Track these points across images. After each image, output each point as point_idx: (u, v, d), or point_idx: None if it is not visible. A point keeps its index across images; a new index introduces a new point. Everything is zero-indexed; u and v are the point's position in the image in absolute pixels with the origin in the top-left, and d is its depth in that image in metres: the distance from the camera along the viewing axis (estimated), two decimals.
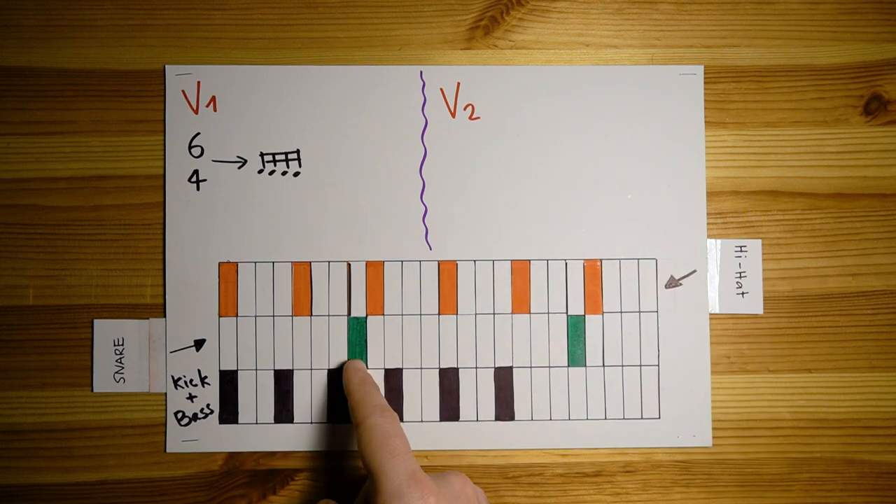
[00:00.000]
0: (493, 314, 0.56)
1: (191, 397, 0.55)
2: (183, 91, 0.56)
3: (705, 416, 0.55)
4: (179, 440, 0.55)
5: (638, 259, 0.56)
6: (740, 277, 0.56)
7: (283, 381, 0.55)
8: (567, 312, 0.56)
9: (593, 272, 0.56)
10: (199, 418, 0.55)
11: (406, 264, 0.55)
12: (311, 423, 0.55)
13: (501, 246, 0.56)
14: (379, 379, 0.55)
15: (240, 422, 0.55)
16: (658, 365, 0.56)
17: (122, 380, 0.55)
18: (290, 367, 0.55)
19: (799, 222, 0.56)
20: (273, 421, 0.55)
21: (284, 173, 0.56)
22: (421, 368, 0.55)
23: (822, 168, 0.57)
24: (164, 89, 0.56)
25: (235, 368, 0.55)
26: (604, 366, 0.55)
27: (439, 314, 0.55)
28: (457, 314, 0.55)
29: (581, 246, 0.56)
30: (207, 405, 0.55)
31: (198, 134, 0.56)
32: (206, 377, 0.55)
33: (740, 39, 0.57)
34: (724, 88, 0.57)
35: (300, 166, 0.56)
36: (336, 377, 0.55)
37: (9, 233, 0.55)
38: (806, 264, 0.56)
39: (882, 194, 0.57)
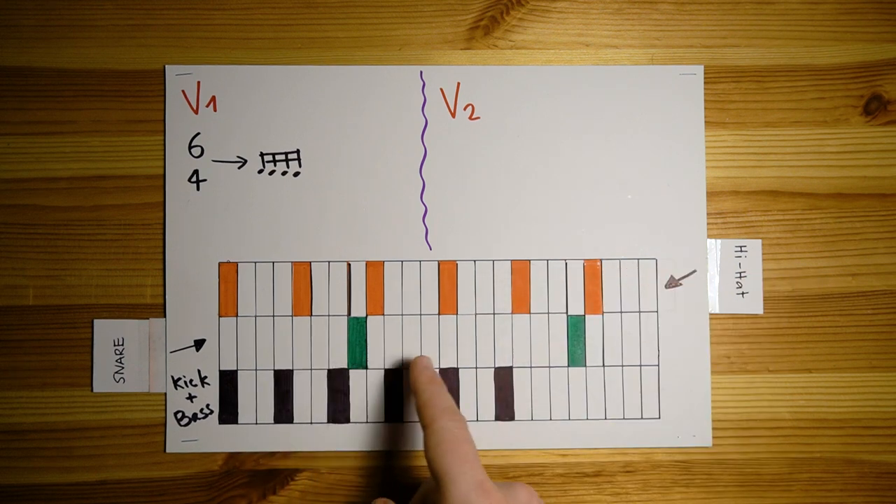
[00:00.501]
0: (493, 314, 0.56)
1: (191, 397, 0.55)
2: (183, 91, 0.56)
3: (705, 416, 0.55)
4: (179, 440, 0.55)
5: (638, 259, 0.56)
6: (740, 277, 0.56)
7: (283, 381, 0.55)
8: (567, 312, 0.56)
9: (593, 272, 0.56)
10: (199, 418, 0.55)
11: (406, 264, 0.55)
12: (311, 423, 0.55)
13: (501, 246, 0.56)
14: (379, 379, 0.55)
15: (240, 422, 0.55)
16: (658, 365, 0.56)
17: (121, 380, 0.55)
18: (290, 368, 0.55)
19: (799, 222, 0.56)
20: (273, 421, 0.55)
21: (284, 173, 0.56)
22: None
23: (822, 168, 0.57)
24: (164, 89, 0.56)
25: (235, 368, 0.55)
26: (604, 366, 0.55)
27: (439, 314, 0.55)
28: (457, 314, 0.55)
29: (581, 246, 0.56)
30: (207, 405, 0.55)
31: (198, 134, 0.56)
32: (205, 377, 0.55)
33: (740, 39, 0.57)
34: (724, 88, 0.57)
35: (300, 166, 0.56)
36: (336, 377, 0.55)
37: (9, 233, 0.55)
38: (806, 264, 0.56)
39: (882, 194, 0.57)
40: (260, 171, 0.56)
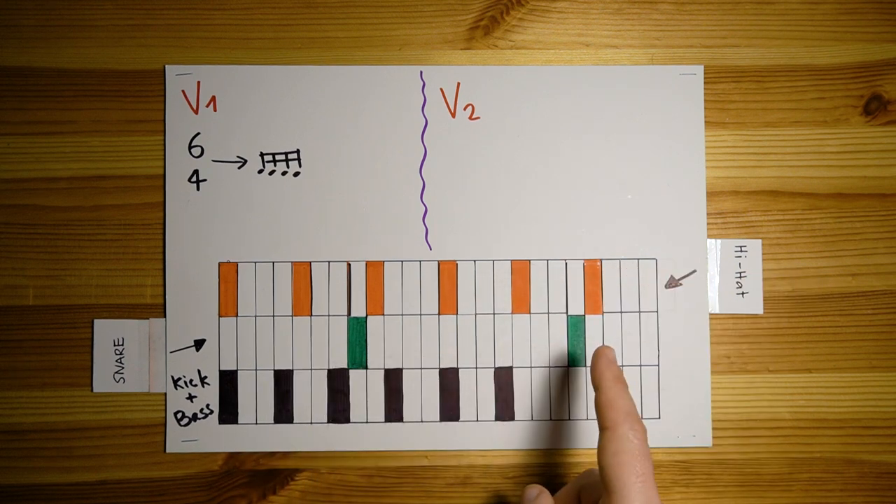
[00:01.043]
0: (493, 314, 0.56)
1: (191, 397, 0.55)
2: (183, 91, 0.56)
3: (705, 416, 0.55)
4: (179, 440, 0.55)
5: (638, 259, 0.56)
6: (740, 277, 0.56)
7: (283, 381, 0.55)
8: (567, 312, 0.56)
9: (593, 272, 0.56)
10: (199, 418, 0.55)
11: (406, 264, 0.55)
12: (311, 423, 0.55)
13: (501, 246, 0.56)
14: (379, 379, 0.55)
15: (240, 422, 0.55)
16: (658, 365, 0.56)
17: (121, 380, 0.55)
18: (290, 368, 0.55)
19: (799, 222, 0.56)
20: (273, 421, 0.55)
21: (284, 173, 0.56)
22: (421, 368, 0.55)
23: (822, 168, 0.57)
24: (164, 89, 0.56)
25: (235, 368, 0.55)
26: None
27: (439, 314, 0.55)
28: (457, 314, 0.55)
29: (581, 246, 0.56)
30: (207, 405, 0.55)
31: (198, 134, 0.56)
32: (205, 377, 0.55)
33: (740, 39, 0.57)
34: (724, 88, 0.57)
35: (300, 166, 0.56)
36: (336, 377, 0.55)
37: (9, 233, 0.55)
38: (806, 264, 0.56)
39: (882, 194, 0.57)
40: (260, 171, 0.56)
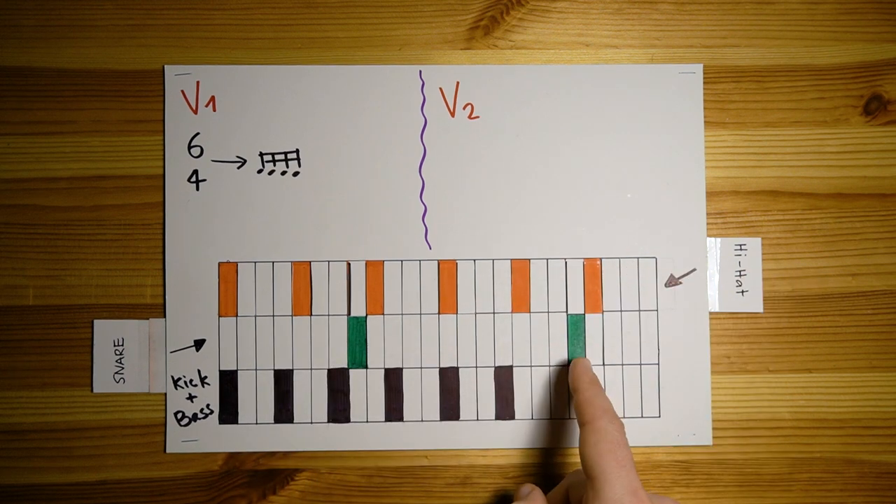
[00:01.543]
0: (493, 313, 0.56)
1: (191, 397, 0.55)
2: (182, 91, 0.56)
3: (705, 414, 0.55)
4: (179, 440, 0.55)
5: (638, 258, 0.56)
6: (740, 276, 0.56)
7: (283, 381, 0.55)
8: (567, 311, 0.56)
9: (593, 271, 0.56)
10: (199, 418, 0.55)
11: (406, 264, 0.55)
12: (311, 423, 0.55)
13: (501, 245, 0.56)
14: (379, 379, 0.55)
15: (240, 422, 0.55)
16: (658, 363, 0.56)
17: (121, 380, 0.55)
18: (290, 367, 0.55)
19: (799, 222, 0.56)
20: (273, 421, 0.55)
21: (284, 173, 0.56)
22: (421, 368, 0.55)
23: (822, 168, 0.57)
24: (164, 89, 0.56)
25: (235, 368, 0.55)
26: (604, 364, 0.55)
27: (439, 313, 0.55)
28: (457, 313, 0.55)
29: (581, 245, 0.56)
30: (207, 405, 0.55)
31: (197, 134, 0.56)
32: (205, 377, 0.55)
33: (740, 39, 0.57)
34: (724, 88, 0.57)
35: (300, 166, 0.56)
36: (336, 377, 0.55)
37: (9, 233, 0.55)
38: (806, 264, 0.56)
39: (882, 194, 0.57)
40: (259, 171, 0.56)
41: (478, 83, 0.56)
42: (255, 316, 0.55)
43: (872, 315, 0.56)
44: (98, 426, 0.55)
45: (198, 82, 0.56)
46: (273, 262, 0.55)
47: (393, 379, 0.55)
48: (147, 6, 0.56)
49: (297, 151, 0.56)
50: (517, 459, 0.56)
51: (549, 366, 0.55)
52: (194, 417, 0.55)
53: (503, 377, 0.55)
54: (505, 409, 0.55)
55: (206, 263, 0.55)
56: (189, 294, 0.55)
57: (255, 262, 0.55)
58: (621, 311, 0.56)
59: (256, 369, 0.55)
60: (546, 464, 0.56)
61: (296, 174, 0.56)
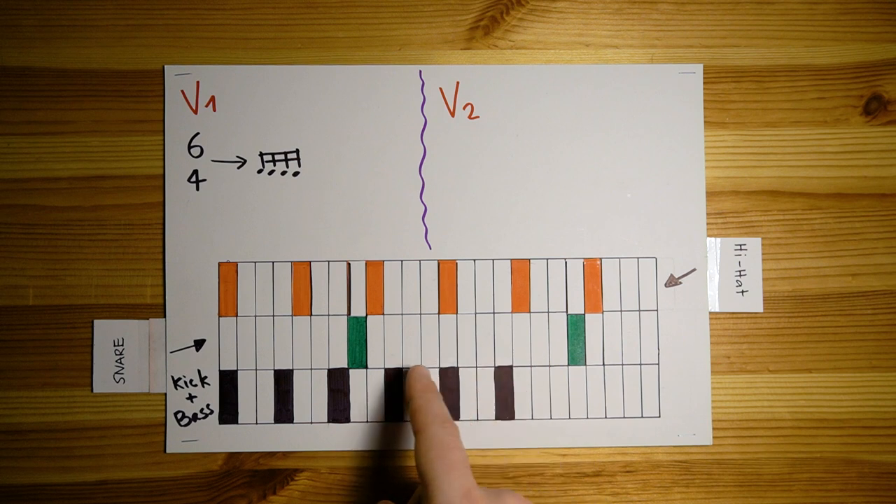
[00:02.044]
0: (493, 313, 0.56)
1: (191, 397, 0.55)
2: (182, 91, 0.56)
3: (705, 414, 0.55)
4: (179, 440, 0.55)
5: (638, 258, 0.56)
6: (740, 276, 0.56)
7: (283, 380, 0.55)
8: (567, 311, 0.56)
9: (593, 271, 0.56)
10: (199, 418, 0.55)
11: (406, 264, 0.55)
12: (311, 423, 0.55)
13: (501, 245, 0.56)
14: (379, 378, 0.55)
15: (240, 422, 0.55)
16: (658, 363, 0.56)
17: (121, 380, 0.55)
18: (290, 367, 0.55)
19: (799, 222, 0.56)
20: (273, 421, 0.55)
21: (284, 173, 0.56)
22: None
23: (822, 168, 0.57)
24: (164, 89, 0.56)
25: (235, 368, 0.55)
26: (604, 364, 0.55)
27: (439, 313, 0.55)
28: (457, 313, 0.55)
29: (581, 245, 0.56)
30: (207, 405, 0.55)
31: (197, 134, 0.56)
32: (205, 377, 0.55)
33: (740, 39, 0.57)
34: (724, 88, 0.57)
35: (299, 166, 0.56)
36: (336, 377, 0.55)
37: (9, 233, 0.55)
38: (806, 264, 0.56)
39: (882, 194, 0.57)
40: (259, 171, 0.56)
41: (478, 83, 0.56)
42: (255, 316, 0.55)
43: (872, 315, 0.56)
44: (98, 426, 0.55)
45: (198, 82, 0.56)
46: (273, 262, 0.55)
47: (393, 379, 0.55)
48: (147, 6, 0.56)
49: (297, 151, 0.56)
50: (517, 459, 0.56)
51: (549, 366, 0.55)
52: (194, 417, 0.55)
53: (503, 377, 0.55)
54: (505, 409, 0.55)
55: (206, 263, 0.55)
56: (189, 294, 0.55)
57: (255, 262, 0.55)
58: (621, 311, 0.56)
59: (256, 369, 0.55)
60: (546, 463, 0.56)
61: (296, 174, 0.56)
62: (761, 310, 0.56)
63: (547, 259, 0.56)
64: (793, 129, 0.57)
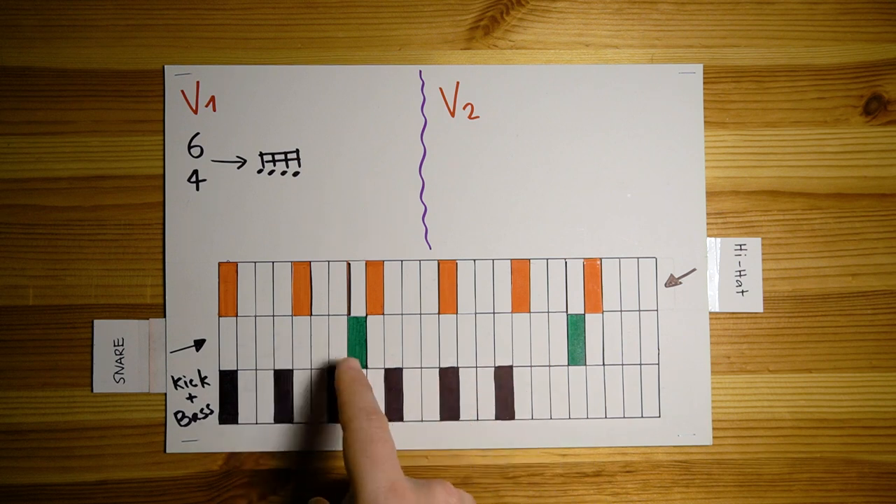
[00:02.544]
0: (493, 313, 0.56)
1: (190, 397, 0.55)
2: (182, 91, 0.56)
3: (705, 414, 0.55)
4: (179, 440, 0.55)
5: (637, 258, 0.56)
6: (740, 276, 0.56)
7: (283, 380, 0.55)
8: (567, 311, 0.56)
9: (593, 271, 0.56)
10: (199, 418, 0.55)
11: (406, 264, 0.55)
12: (311, 423, 0.55)
13: (501, 245, 0.56)
14: (379, 378, 0.55)
15: (239, 422, 0.55)
16: (658, 363, 0.56)
17: (121, 380, 0.55)
18: (290, 367, 0.55)
19: (799, 222, 0.56)
20: (273, 421, 0.55)
21: (284, 173, 0.56)
22: (421, 368, 0.55)
23: (822, 168, 0.57)
24: (164, 89, 0.56)
25: (235, 368, 0.55)
26: (604, 364, 0.55)
27: (439, 313, 0.55)
28: (457, 313, 0.55)
29: (581, 245, 0.56)
30: (207, 405, 0.55)
31: (197, 134, 0.56)
32: (205, 377, 0.55)
33: (740, 39, 0.57)
34: (724, 88, 0.57)
35: (299, 166, 0.56)
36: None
37: (9, 233, 0.55)
38: (806, 264, 0.56)
39: (882, 194, 0.57)
40: (259, 171, 0.56)
41: (478, 83, 0.56)
42: (255, 316, 0.55)
43: (872, 315, 0.56)
44: (98, 426, 0.55)
45: (198, 82, 0.56)
46: (273, 262, 0.55)
47: (393, 379, 0.55)
48: (147, 6, 0.56)
49: (297, 151, 0.56)
50: (517, 459, 0.56)
51: (549, 366, 0.55)
52: (194, 417, 0.55)
53: (503, 377, 0.55)
54: (505, 409, 0.55)
55: (206, 263, 0.55)
56: (189, 294, 0.55)
57: (255, 262, 0.55)
58: (621, 311, 0.56)
59: (256, 369, 0.55)
60: (546, 463, 0.56)
61: (296, 174, 0.56)
62: (761, 310, 0.56)
63: (547, 259, 0.56)
64: (793, 129, 0.57)
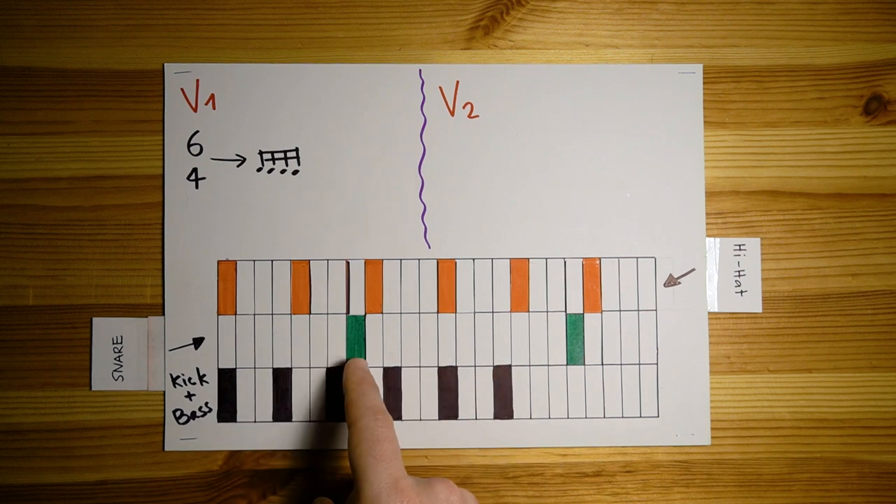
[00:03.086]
0: (492, 312, 0.55)
1: (189, 395, 0.55)
2: (182, 89, 0.56)
3: (704, 414, 0.55)
4: (178, 438, 0.55)
5: (637, 258, 0.56)
6: (739, 276, 0.56)
7: (282, 379, 0.55)
8: (566, 311, 0.56)
9: (592, 270, 0.56)
10: (198, 416, 0.55)
11: (405, 262, 0.55)
12: (310, 421, 0.55)
13: (500, 244, 0.56)
14: (378, 377, 0.55)
15: (238, 420, 0.55)
16: (657, 363, 0.56)
17: (120, 378, 0.55)
18: (289, 366, 0.55)
19: (799, 222, 0.56)
20: (271, 419, 0.55)
21: (283, 172, 0.56)
22: (420, 367, 0.55)
23: (822, 168, 0.57)
24: (164, 87, 0.56)
25: (234, 367, 0.55)
26: (602, 364, 0.55)
27: (438, 312, 0.55)
28: (455, 312, 0.55)
29: (580, 244, 0.56)
30: (206, 403, 0.55)
31: (196, 132, 0.56)
32: (204, 375, 0.55)
33: (740, 39, 0.57)
34: (723, 88, 0.57)
35: (299, 165, 0.56)
36: (335, 376, 0.55)
37: (9, 233, 0.55)
38: (806, 264, 0.56)
39: (882, 194, 0.57)
40: (259, 170, 0.56)
41: (478, 83, 0.56)
42: (254, 314, 0.55)
43: (872, 315, 0.56)
44: (98, 426, 0.55)
45: (197, 80, 0.56)
46: (272, 261, 0.55)
47: (391, 378, 0.55)
48: (147, 6, 0.56)
49: (296, 150, 0.56)
50: (517, 459, 0.56)
51: (548, 365, 0.55)
52: (193, 415, 0.55)
53: (502, 376, 0.55)
54: (503, 408, 0.55)
55: (205, 261, 0.55)
56: (188, 292, 0.55)
57: (255, 261, 0.55)
58: (620, 310, 0.56)
59: (255, 367, 0.55)
60: (545, 463, 0.56)
61: (295, 173, 0.56)
62: (760, 310, 0.56)
63: (546, 258, 0.56)
64: (793, 129, 0.57)
